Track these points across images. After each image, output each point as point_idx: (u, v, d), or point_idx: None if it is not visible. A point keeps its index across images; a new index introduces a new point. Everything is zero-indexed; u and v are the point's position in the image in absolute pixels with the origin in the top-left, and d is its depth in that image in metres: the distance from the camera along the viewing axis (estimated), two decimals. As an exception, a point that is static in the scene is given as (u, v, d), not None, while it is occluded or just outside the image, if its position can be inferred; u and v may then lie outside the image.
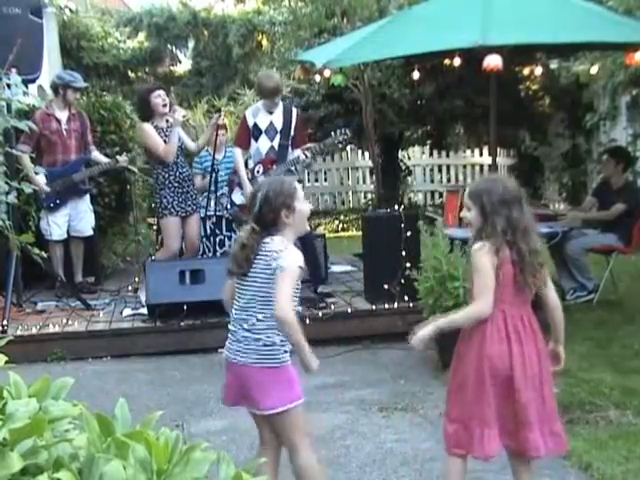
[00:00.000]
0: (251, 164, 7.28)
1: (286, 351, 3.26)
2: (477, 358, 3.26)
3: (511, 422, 3.25)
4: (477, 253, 3.21)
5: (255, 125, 7.04)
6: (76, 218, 7.74)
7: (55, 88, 7.61)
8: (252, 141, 7.08)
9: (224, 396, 3.43)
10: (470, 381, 3.27)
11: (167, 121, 7.19)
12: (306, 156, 6.91)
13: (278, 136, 7.01)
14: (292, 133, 7.01)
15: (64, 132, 7.58)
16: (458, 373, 3.37)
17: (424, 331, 3.29)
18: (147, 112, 7.21)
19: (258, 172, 7.09)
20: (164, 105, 7.14)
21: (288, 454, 3.34)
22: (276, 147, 7.01)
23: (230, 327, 3.35)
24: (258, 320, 3.22)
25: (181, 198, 7.25)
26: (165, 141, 7.10)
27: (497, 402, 3.24)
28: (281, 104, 7.17)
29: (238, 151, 7.17)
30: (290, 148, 7.02)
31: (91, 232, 7.94)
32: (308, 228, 3.47)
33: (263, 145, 7.03)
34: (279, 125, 7.01)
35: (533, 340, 3.29)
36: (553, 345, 3.44)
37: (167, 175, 7.19)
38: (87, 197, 7.87)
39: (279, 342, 3.23)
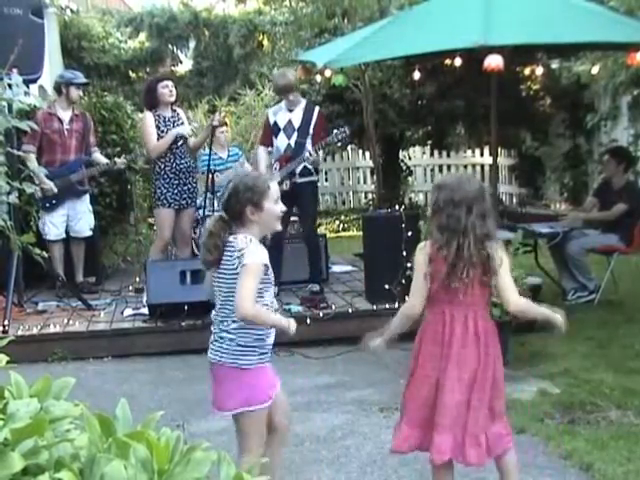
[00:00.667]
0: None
1: (262, 354, 3.25)
2: (413, 357, 3.36)
3: (429, 422, 3.27)
4: (416, 251, 3.29)
5: (275, 123, 7.13)
6: (74, 218, 7.75)
7: (58, 87, 7.63)
8: (273, 139, 7.16)
9: (212, 400, 3.42)
10: (409, 378, 3.38)
11: (174, 110, 7.26)
12: (310, 153, 6.93)
13: (295, 134, 7.06)
14: (311, 131, 7.05)
15: (65, 132, 7.59)
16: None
17: (380, 340, 3.39)
18: (153, 100, 7.27)
19: (276, 169, 7.14)
20: (170, 95, 7.18)
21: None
22: (293, 145, 7.05)
23: (212, 327, 3.36)
24: (233, 321, 3.21)
25: (176, 190, 7.27)
26: (159, 135, 7.17)
27: (424, 400, 3.28)
28: (303, 102, 7.25)
29: (261, 149, 7.29)
30: (308, 146, 7.05)
31: (90, 233, 7.92)
32: (279, 228, 3.37)
33: (282, 143, 7.10)
34: (297, 123, 7.07)
35: (474, 344, 3.24)
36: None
37: (163, 166, 7.24)
38: (86, 198, 7.87)
39: (254, 344, 3.23)
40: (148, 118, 7.27)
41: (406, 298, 3.45)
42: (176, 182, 7.26)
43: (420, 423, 3.31)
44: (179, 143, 7.24)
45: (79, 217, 7.79)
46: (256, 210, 3.21)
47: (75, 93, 7.68)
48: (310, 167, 7.08)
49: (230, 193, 3.23)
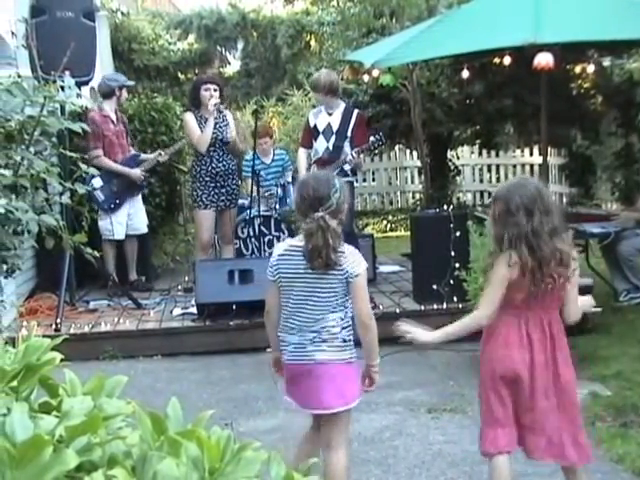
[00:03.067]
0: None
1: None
2: (484, 362, 3.34)
3: (524, 425, 3.28)
4: (497, 264, 3.21)
5: (315, 126, 7.12)
6: (135, 216, 7.93)
7: (111, 90, 7.76)
8: (313, 141, 7.17)
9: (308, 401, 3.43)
10: (482, 384, 3.35)
11: (220, 112, 7.33)
12: (352, 156, 6.92)
13: (334, 137, 7.05)
14: (349, 134, 7.03)
15: (118, 132, 7.77)
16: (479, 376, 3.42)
17: (432, 336, 3.36)
18: (195, 101, 7.38)
19: None
20: (210, 98, 7.21)
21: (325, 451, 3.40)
22: (331, 148, 7.05)
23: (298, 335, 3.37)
24: (337, 319, 3.31)
25: (212, 192, 7.33)
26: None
27: (512, 404, 3.27)
28: (342, 105, 7.20)
29: (301, 151, 7.28)
30: (346, 149, 7.04)
31: (146, 230, 8.13)
32: None
33: (320, 146, 7.10)
34: (335, 126, 7.05)
35: (549, 347, 3.24)
36: None
37: (199, 168, 7.35)
38: (140, 195, 8.06)
39: (351, 338, 3.37)
40: (189, 117, 7.40)
41: (475, 306, 3.46)
42: (212, 184, 7.32)
43: (511, 423, 3.29)
44: (216, 146, 7.29)
45: (137, 214, 7.97)
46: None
47: (124, 95, 7.91)
48: (346, 169, 7.05)
49: (340, 197, 3.29)
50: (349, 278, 3.24)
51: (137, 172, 7.76)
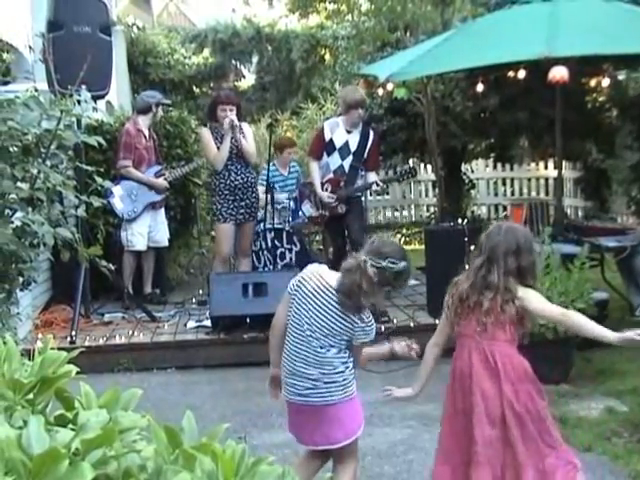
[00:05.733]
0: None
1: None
2: (446, 391, 3.46)
3: (465, 457, 3.28)
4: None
5: (331, 141, 7.09)
6: (155, 229, 7.98)
7: (148, 106, 7.90)
8: (324, 155, 7.15)
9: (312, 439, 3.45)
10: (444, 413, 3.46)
11: (239, 127, 7.31)
12: (377, 184, 6.99)
13: (350, 157, 7.05)
14: (365, 156, 7.05)
15: (148, 148, 7.89)
16: None
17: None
18: (213, 117, 7.39)
19: (326, 190, 7.15)
20: (225, 117, 7.22)
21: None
22: (346, 167, 7.06)
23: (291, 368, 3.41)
24: (343, 359, 3.37)
25: (232, 206, 7.32)
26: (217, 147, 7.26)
27: (459, 436, 3.31)
28: (361, 125, 7.19)
29: (315, 166, 7.24)
30: (361, 170, 7.07)
31: (167, 243, 8.19)
32: None
33: (334, 162, 7.09)
34: (354, 146, 7.05)
35: (493, 377, 3.26)
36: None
37: (218, 182, 7.35)
38: (163, 209, 8.14)
39: (353, 370, 3.42)
40: (205, 133, 7.42)
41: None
42: (232, 198, 7.32)
43: (455, 460, 3.31)
44: (234, 159, 7.30)
45: (159, 227, 8.06)
46: None
47: (160, 113, 8.10)
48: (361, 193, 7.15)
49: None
50: (355, 339, 3.31)
51: (163, 182, 7.87)
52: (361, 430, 3.39)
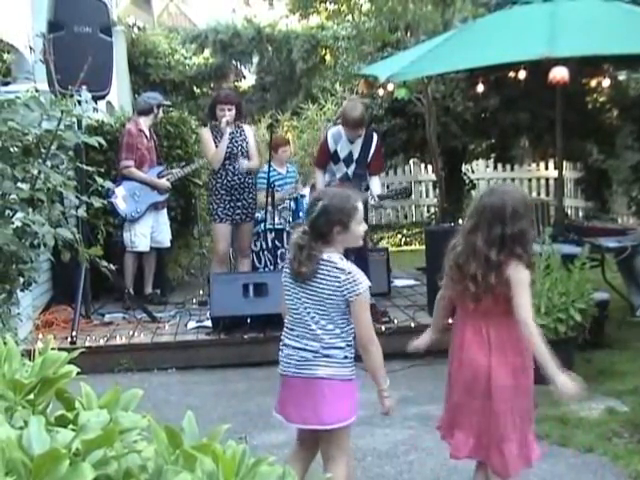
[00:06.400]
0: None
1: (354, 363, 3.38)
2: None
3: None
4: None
5: (335, 152, 7.10)
6: (157, 229, 8.00)
7: (150, 108, 7.95)
8: (330, 164, 7.18)
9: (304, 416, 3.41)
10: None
11: (238, 127, 7.40)
12: (375, 200, 7.02)
13: (354, 165, 7.08)
14: (369, 160, 7.07)
15: (149, 148, 7.93)
16: None
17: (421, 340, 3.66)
18: (213, 117, 7.46)
19: None
20: (224, 117, 7.26)
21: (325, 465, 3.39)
22: (350, 174, 7.09)
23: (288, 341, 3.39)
24: (341, 335, 3.30)
25: (228, 206, 7.36)
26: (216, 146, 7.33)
27: (456, 404, 3.38)
28: (363, 132, 7.16)
29: (320, 175, 7.24)
30: (365, 175, 7.10)
31: (169, 244, 8.21)
32: (360, 243, 3.50)
33: (339, 170, 7.16)
34: (357, 154, 7.08)
35: (483, 349, 3.25)
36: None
37: (214, 182, 7.41)
38: (165, 210, 8.15)
39: (352, 355, 3.35)
40: (205, 133, 7.52)
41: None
42: (228, 198, 7.36)
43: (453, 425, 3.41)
44: (232, 159, 7.32)
45: (161, 228, 8.08)
46: (342, 230, 3.28)
47: (160, 114, 8.15)
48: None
49: (320, 212, 3.27)
50: (349, 298, 3.23)
51: (165, 183, 7.88)
52: (353, 419, 3.32)
